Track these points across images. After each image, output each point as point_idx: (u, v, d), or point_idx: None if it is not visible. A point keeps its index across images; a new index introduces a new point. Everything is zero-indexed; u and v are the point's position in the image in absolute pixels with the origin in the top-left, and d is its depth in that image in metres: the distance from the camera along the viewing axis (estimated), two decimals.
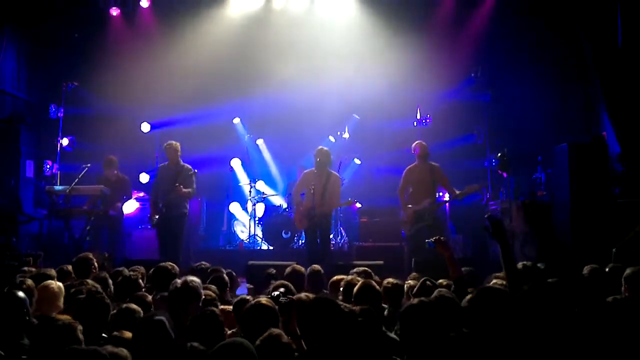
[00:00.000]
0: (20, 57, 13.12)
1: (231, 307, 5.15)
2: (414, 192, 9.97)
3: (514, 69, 12.89)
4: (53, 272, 6.54)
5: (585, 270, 5.67)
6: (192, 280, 5.09)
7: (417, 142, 10.35)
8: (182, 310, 4.86)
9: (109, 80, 13.22)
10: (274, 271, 7.24)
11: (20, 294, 4.58)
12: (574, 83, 12.43)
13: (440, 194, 11.17)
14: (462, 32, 13.33)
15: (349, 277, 5.97)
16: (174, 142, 10.46)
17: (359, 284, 5.32)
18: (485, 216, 5.28)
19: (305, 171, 10.35)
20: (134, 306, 4.76)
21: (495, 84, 12.85)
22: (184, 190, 10.03)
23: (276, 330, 3.87)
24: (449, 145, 13.00)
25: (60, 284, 5.80)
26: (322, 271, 6.79)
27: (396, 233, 10.97)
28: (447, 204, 11.29)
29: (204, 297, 5.12)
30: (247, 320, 4.33)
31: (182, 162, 10.38)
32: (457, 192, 9.86)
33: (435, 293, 4.82)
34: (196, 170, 10.41)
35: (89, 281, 5.71)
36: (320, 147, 10.19)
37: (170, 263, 6.41)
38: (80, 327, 4.05)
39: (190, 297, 4.97)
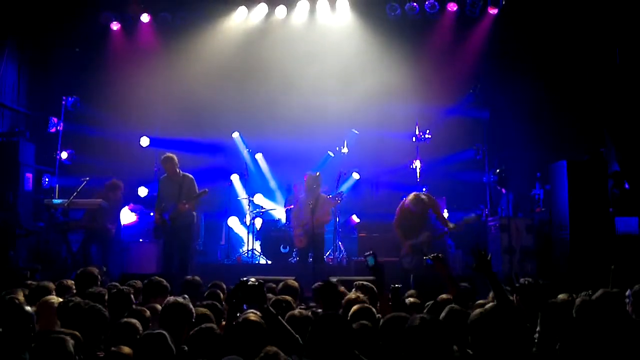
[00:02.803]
0: (20, 70, 13.15)
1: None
2: (410, 225, 10.07)
3: (513, 86, 12.94)
4: (52, 285, 6.52)
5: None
6: (184, 297, 5.08)
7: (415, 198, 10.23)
8: (174, 327, 4.80)
9: (109, 94, 13.27)
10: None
11: (28, 308, 4.57)
12: (573, 100, 12.48)
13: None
14: (461, 49, 13.38)
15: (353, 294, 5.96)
16: (169, 154, 10.51)
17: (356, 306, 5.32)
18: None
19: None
20: (133, 321, 4.74)
21: (494, 100, 12.88)
22: (187, 205, 10.13)
23: (272, 349, 3.85)
24: (448, 160, 13.04)
25: (59, 298, 5.78)
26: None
27: (395, 248, 10.94)
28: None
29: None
30: (236, 337, 4.30)
31: (181, 173, 10.43)
32: (451, 225, 9.96)
33: (447, 309, 4.80)
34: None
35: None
36: (309, 173, 11.00)
37: (157, 277, 6.45)
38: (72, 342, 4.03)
39: (183, 314, 4.93)
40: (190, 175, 10.46)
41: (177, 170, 10.40)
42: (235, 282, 5.10)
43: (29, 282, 7.25)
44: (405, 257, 9.87)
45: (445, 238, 10.74)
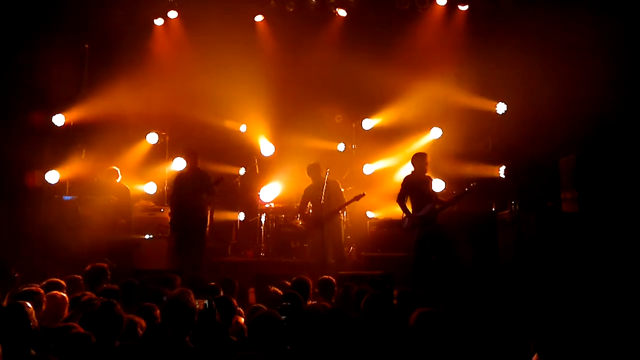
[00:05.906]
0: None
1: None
2: (415, 199, 10.20)
3: (525, 79, 12.85)
4: (62, 282, 6.56)
5: None
6: (184, 291, 5.10)
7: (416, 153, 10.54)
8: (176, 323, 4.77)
9: (119, 90, 13.25)
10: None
11: (28, 304, 4.57)
12: (584, 96, 12.38)
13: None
14: (473, 43, 13.32)
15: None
16: (193, 148, 11.18)
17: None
18: None
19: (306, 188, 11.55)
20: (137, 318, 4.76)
21: (505, 93, 12.84)
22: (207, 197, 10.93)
23: None
24: (459, 154, 12.97)
25: (64, 294, 5.82)
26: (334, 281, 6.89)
27: (405, 243, 10.94)
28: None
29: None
30: (253, 331, 4.31)
31: (200, 169, 11.02)
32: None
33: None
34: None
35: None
36: (311, 163, 11.54)
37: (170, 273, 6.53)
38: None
39: (184, 309, 4.93)
40: (206, 172, 11.06)
41: (197, 166, 11.00)
42: (247, 278, 5.17)
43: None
44: (413, 230, 9.99)
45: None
